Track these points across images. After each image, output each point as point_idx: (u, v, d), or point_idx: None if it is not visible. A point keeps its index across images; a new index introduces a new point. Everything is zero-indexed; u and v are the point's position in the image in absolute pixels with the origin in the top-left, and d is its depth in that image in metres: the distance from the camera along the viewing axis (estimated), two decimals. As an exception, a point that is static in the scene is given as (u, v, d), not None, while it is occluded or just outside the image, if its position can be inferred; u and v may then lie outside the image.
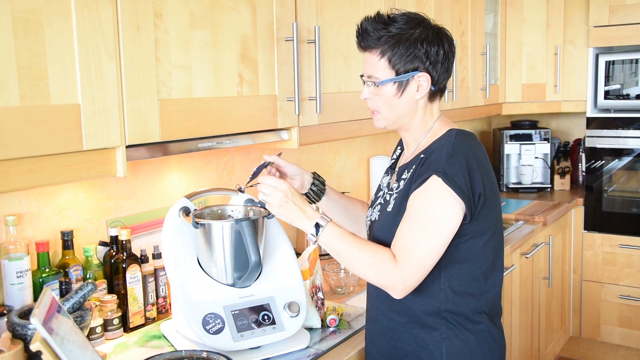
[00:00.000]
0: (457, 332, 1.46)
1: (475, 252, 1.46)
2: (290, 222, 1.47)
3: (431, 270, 1.42)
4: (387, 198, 1.54)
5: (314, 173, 1.71)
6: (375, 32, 1.44)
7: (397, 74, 1.45)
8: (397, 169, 1.58)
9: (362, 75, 1.52)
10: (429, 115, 1.53)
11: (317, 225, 1.44)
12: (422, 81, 1.46)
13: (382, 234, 1.51)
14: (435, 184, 1.38)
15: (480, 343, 1.48)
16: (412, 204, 1.42)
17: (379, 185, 1.66)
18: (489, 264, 1.49)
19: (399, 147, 1.69)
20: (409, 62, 1.44)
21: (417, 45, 1.44)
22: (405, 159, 1.58)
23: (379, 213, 1.56)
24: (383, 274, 1.40)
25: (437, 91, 1.51)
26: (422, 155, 1.47)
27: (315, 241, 1.45)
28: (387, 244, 1.45)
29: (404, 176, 1.50)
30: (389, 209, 1.50)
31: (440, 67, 1.47)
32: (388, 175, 1.64)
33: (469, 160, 1.41)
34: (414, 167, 1.47)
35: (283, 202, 1.45)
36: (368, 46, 1.47)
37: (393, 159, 1.68)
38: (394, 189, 1.52)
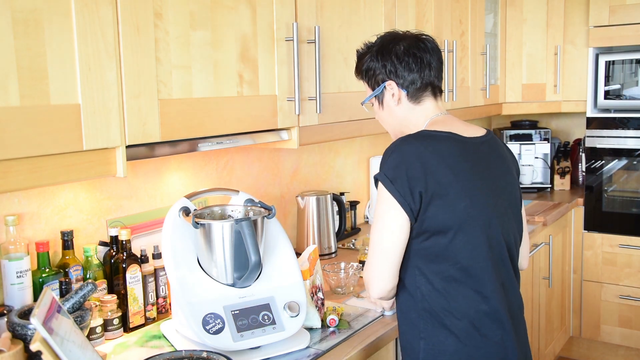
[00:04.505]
0: (436, 331, 1.48)
1: (441, 250, 1.46)
2: None
3: (409, 268, 1.50)
4: None
5: None
6: (357, 64, 1.68)
7: (373, 89, 1.64)
8: None
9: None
10: (421, 118, 1.60)
11: None
12: (392, 89, 1.59)
13: None
14: (380, 187, 1.48)
15: (460, 345, 1.46)
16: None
17: None
18: (467, 266, 1.45)
19: None
20: (376, 75, 1.61)
21: (373, 60, 1.61)
22: None
23: None
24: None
25: (417, 91, 1.59)
26: None
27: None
28: None
29: None
30: None
31: (401, 71, 1.58)
32: None
33: (408, 159, 1.45)
34: None
35: None
36: (357, 74, 1.69)
37: None
38: None
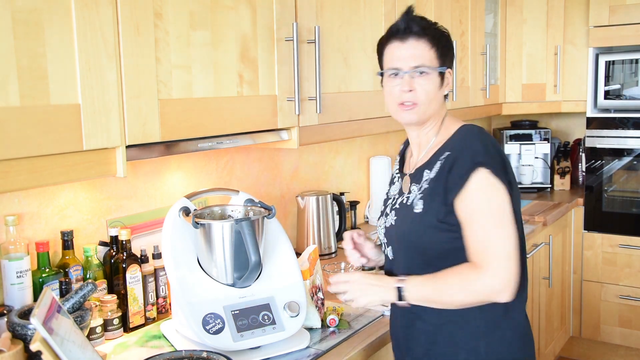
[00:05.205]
0: (496, 327, 1.44)
1: None
2: (379, 303, 1.47)
3: (455, 263, 1.40)
4: (405, 201, 1.50)
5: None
6: (421, 22, 1.47)
7: (439, 62, 1.48)
8: (409, 173, 1.55)
9: (392, 68, 1.48)
10: (442, 111, 1.54)
11: (398, 290, 1.41)
12: (449, 77, 1.51)
13: (409, 236, 1.47)
14: (483, 177, 1.36)
15: (517, 337, 1.47)
16: (468, 206, 1.38)
17: (387, 195, 1.65)
18: (522, 255, 1.47)
19: (398, 158, 1.70)
20: (449, 57, 1.50)
21: (452, 44, 1.52)
22: (417, 160, 1.55)
23: (395, 217, 1.53)
24: (475, 287, 1.36)
25: None
26: (447, 153, 1.43)
27: (406, 303, 1.43)
28: (417, 247, 1.45)
29: (425, 177, 1.47)
30: (417, 210, 1.45)
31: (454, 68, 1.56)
32: (396, 184, 1.62)
33: (500, 151, 1.43)
34: (438, 164, 1.44)
35: (364, 290, 1.45)
36: (418, 32, 1.45)
37: (397, 169, 1.66)
38: (416, 190, 1.48)
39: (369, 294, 1.44)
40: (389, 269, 1.58)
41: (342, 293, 1.49)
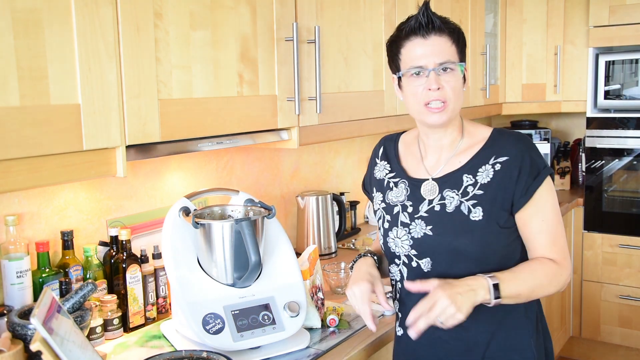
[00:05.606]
0: (538, 325, 1.49)
1: None
2: (474, 304, 1.30)
3: (508, 265, 1.41)
4: (441, 208, 1.41)
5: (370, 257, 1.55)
6: (439, 18, 1.39)
7: (459, 58, 1.42)
8: (432, 177, 1.45)
9: (415, 67, 1.38)
10: None
11: (495, 287, 1.31)
12: (466, 73, 1.45)
13: (465, 245, 1.38)
14: (549, 182, 1.42)
15: (546, 331, 1.53)
16: (541, 211, 1.39)
17: (385, 202, 1.52)
18: None
19: (384, 162, 1.57)
20: (464, 53, 1.44)
21: (466, 40, 1.46)
22: (437, 163, 1.47)
23: (430, 226, 1.41)
24: (561, 280, 1.41)
25: None
26: (504, 158, 1.39)
27: (500, 300, 1.32)
28: (472, 255, 1.38)
29: (467, 182, 1.40)
30: (476, 217, 1.38)
31: None
32: (394, 190, 1.51)
33: None
34: (489, 169, 1.39)
35: (455, 301, 1.26)
36: (440, 28, 1.38)
37: (389, 172, 1.54)
38: (457, 197, 1.40)
39: (465, 301, 1.27)
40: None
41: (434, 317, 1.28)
